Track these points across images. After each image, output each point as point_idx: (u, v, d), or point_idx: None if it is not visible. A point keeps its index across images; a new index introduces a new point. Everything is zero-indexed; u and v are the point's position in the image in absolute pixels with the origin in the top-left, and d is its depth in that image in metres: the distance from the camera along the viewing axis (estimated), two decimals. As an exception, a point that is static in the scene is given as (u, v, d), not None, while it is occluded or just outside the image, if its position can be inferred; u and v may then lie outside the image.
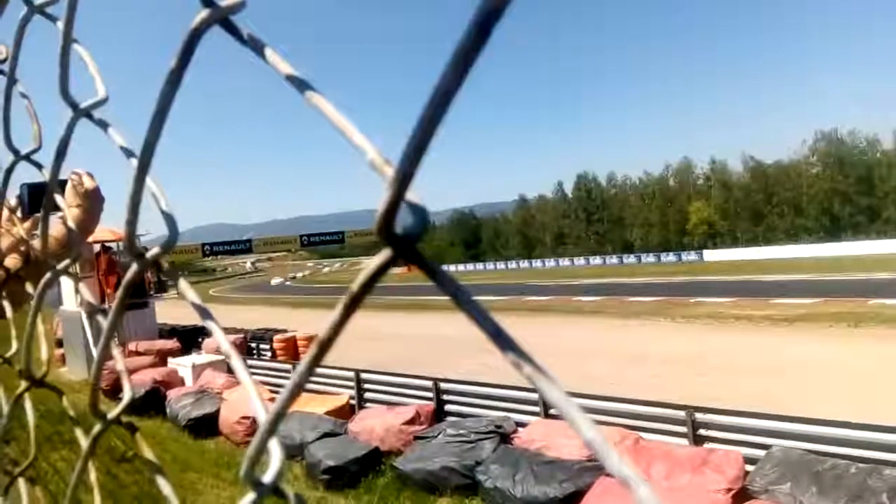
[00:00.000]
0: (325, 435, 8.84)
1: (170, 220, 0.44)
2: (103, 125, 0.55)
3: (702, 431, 7.26)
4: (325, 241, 36.26)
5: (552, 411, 7.63)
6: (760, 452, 6.50)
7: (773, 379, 12.28)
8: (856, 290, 25.46)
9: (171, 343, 16.81)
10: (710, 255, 65.51)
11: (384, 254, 0.25)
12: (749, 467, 6.36)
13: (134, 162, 0.43)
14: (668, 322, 22.57)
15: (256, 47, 0.34)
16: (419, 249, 0.25)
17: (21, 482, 0.90)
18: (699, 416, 7.30)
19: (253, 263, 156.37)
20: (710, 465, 6.28)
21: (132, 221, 0.44)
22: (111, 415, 0.55)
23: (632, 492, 0.20)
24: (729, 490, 5.95)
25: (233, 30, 0.34)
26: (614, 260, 74.63)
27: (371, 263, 0.25)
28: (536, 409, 8.47)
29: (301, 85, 0.32)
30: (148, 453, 0.57)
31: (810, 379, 11.99)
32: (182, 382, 13.59)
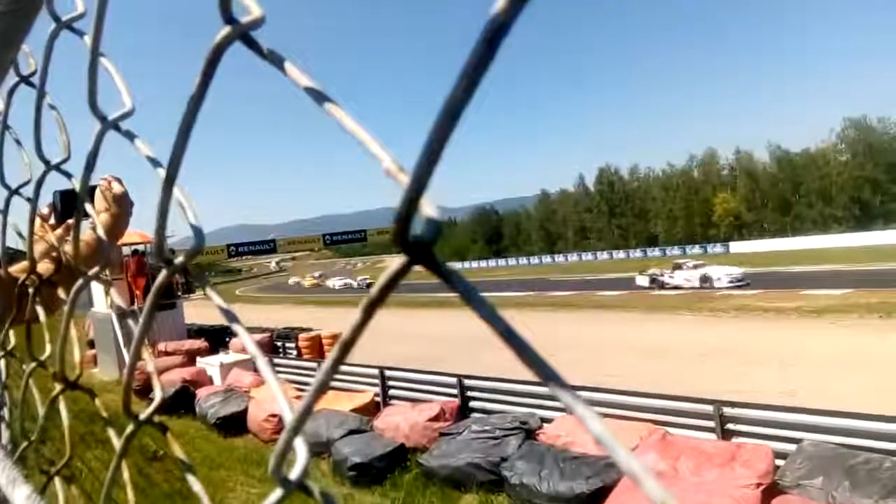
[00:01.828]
0: (351, 432, 8.91)
1: (196, 227, 0.46)
2: (130, 136, 0.57)
3: (730, 426, 7.17)
4: (347, 240, 36.59)
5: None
6: (791, 447, 6.40)
7: (799, 372, 12.10)
8: (887, 280, 24.91)
9: (199, 343, 17.07)
10: (737, 246, 64.56)
11: (400, 260, 0.26)
12: (779, 462, 6.27)
13: (161, 172, 0.45)
14: (695, 315, 22.32)
15: (276, 62, 0.35)
16: (434, 255, 0.26)
17: (57, 481, 0.93)
18: (727, 410, 7.20)
19: (277, 263, 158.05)
20: (739, 460, 6.21)
21: (161, 229, 0.46)
22: (143, 416, 0.57)
23: (640, 486, 0.21)
24: (758, 485, 5.86)
25: (253, 45, 0.35)
26: (638, 253, 73.92)
27: (388, 270, 0.26)
28: (561, 404, 8.42)
29: (319, 97, 0.33)
30: (179, 452, 0.59)
31: (837, 372, 11.78)
32: (210, 381, 13.81)
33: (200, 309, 19.22)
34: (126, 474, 0.72)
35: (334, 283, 71.97)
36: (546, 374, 0.25)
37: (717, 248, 65.91)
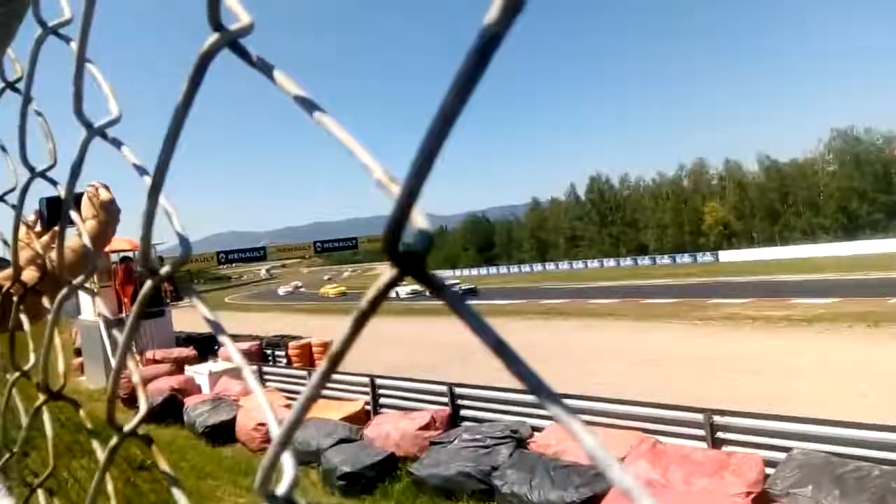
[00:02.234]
0: (341, 441, 8.84)
1: (182, 236, 0.45)
2: (117, 143, 0.56)
3: (720, 434, 7.17)
4: (338, 248, 36.52)
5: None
6: (781, 455, 6.40)
7: (790, 381, 12.15)
8: (875, 289, 25.12)
9: (188, 351, 16.93)
10: (726, 255, 65.00)
11: (391, 272, 0.25)
12: (769, 470, 6.27)
13: (147, 180, 0.44)
14: (685, 324, 22.39)
15: (265, 70, 0.34)
16: (425, 266, 0.25)
17: (40, 493, 0.91)
18: (717, 418, 7.20)
19: (268, 270, 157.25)
20: (730, 469, 6.20)
21: (146, 238, 0.45)
22: (127, 427, 0.56)
23: (633, 502, 0.21)
24: (749, 493, 5.86)
25: (242, 52, 0.35)
26: (629, 262, 74.23)
27: (378, 281, 0.26)
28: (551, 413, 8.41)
29: (309, 106, 0.32)
30: (164, 464, 0.57)
31: (828, 381, 11.84)
32: (199, 390, 13.68)
33: (190, 315, 19.06)
34: (110, 486, 0.70)
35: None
36: (536, 386, 0.25)
37: (707, 257, 66.31)
